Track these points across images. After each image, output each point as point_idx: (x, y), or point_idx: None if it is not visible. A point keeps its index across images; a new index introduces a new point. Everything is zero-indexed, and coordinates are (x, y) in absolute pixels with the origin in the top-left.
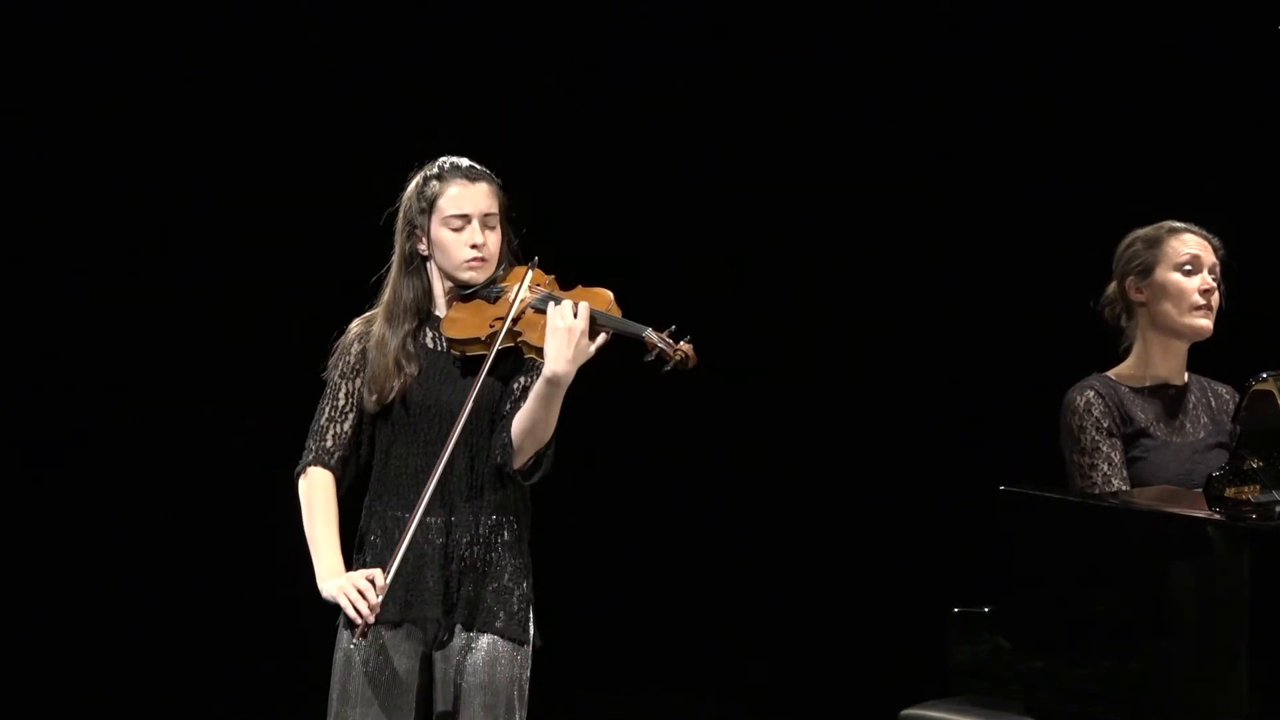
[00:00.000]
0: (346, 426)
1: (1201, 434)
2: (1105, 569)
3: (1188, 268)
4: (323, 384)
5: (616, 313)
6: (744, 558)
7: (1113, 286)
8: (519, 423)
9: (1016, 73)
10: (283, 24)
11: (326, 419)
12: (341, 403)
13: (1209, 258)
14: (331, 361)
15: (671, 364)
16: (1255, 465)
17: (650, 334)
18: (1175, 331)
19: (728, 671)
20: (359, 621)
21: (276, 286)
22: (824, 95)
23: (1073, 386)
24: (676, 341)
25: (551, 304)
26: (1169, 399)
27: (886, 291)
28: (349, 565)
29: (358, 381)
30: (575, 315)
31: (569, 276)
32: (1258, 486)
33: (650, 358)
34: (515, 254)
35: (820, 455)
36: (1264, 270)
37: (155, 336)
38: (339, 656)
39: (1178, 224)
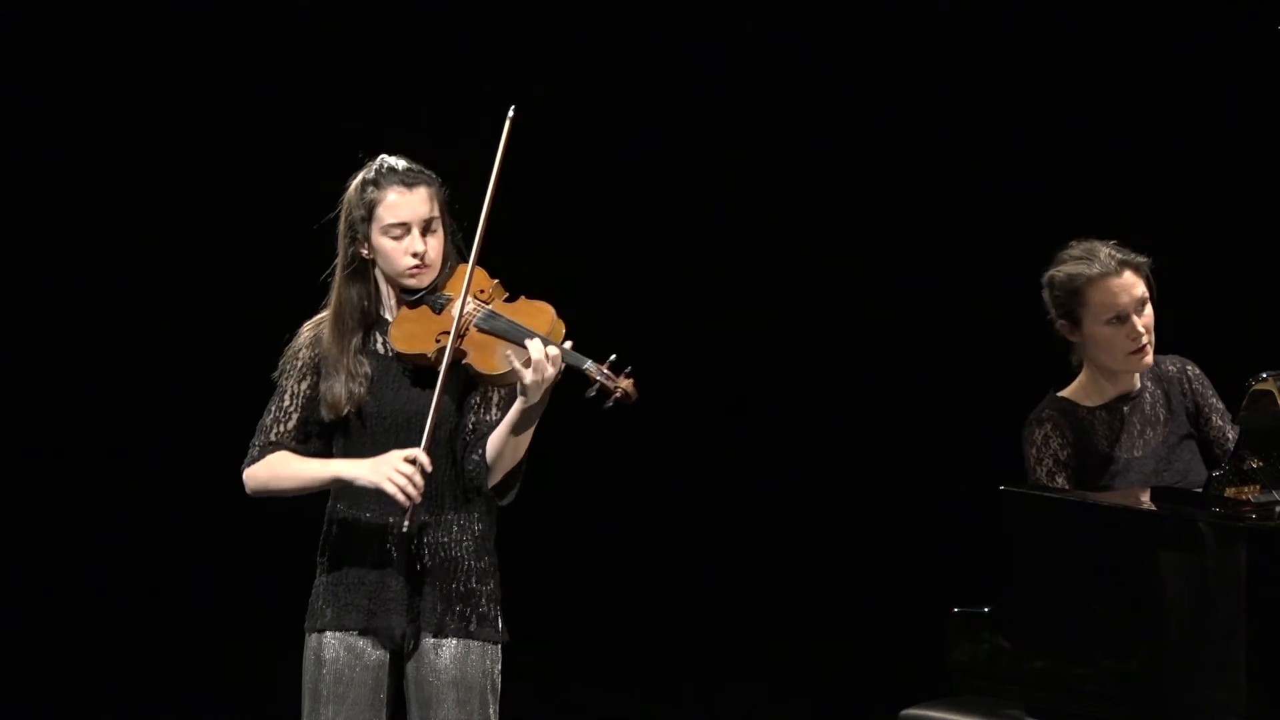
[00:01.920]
0: (290, 426)
1: (1163, 434)
2: (1105, 569)
3: (1114, 320)
4: (273, 386)
5: (561, 328)
6: (744, 558)
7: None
8: (493, 445)
9: (1023, 68)
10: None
11: (272, 419)
12: (286, 404)
13: (1135, 294)
14: (281, 364)
15: (611, 399)
16: (1255, 465)
17: (591, 366)
18: (1114, 372)
19: (728, 672)
20: (407, 503)
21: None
22: (824, 95)
23: (1032, 412)
24: (617, 374)
25: (526, 343)
26: (1126, 412)
27: (886, 291)
28: (311, 571)
29: (304, 384)
30: (549, 365)
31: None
32: (1258, 486)
33: (591, 392)
34: (460, 249)
35: (820, 455)
36: (1264, 270)
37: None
38: (307, 665)
39: (1094, 263)
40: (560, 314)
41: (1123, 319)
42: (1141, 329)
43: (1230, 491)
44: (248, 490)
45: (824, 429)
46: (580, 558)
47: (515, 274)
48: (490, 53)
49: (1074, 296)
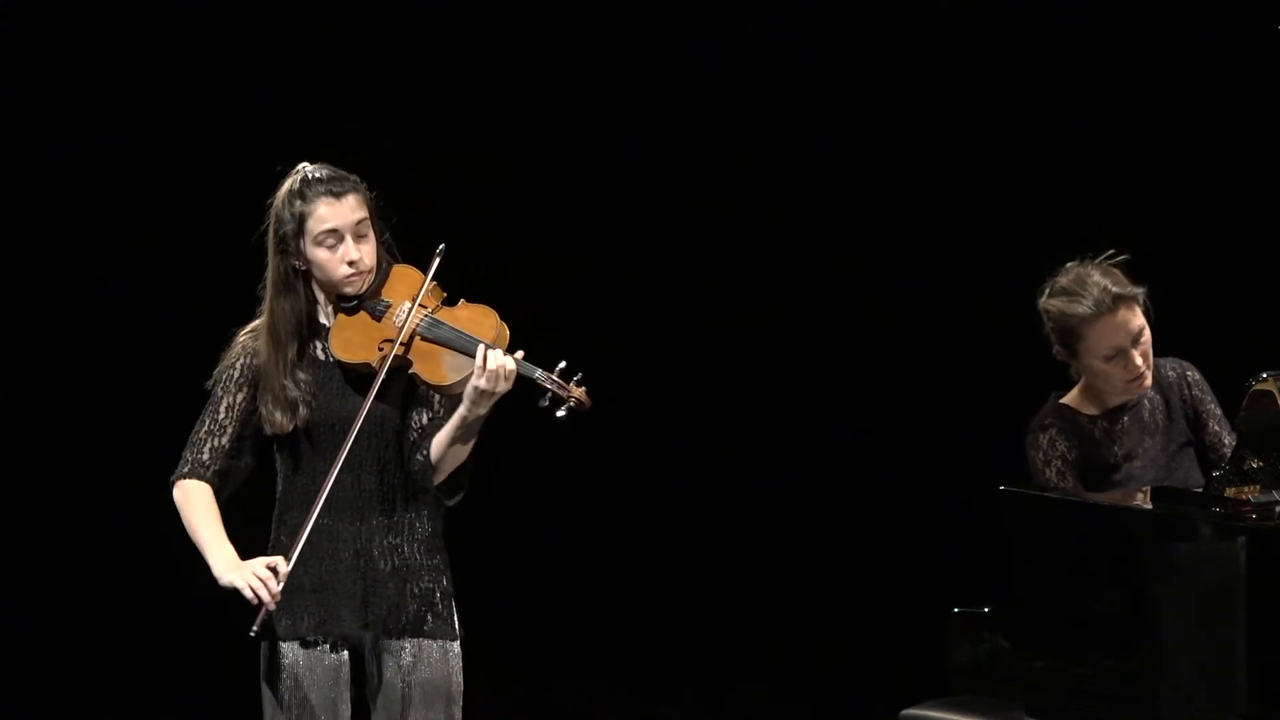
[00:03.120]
0: (225, 441)
1: (1162, 442)
2: (1105, 569)
3: (1112, 357)
4: (205, 395)
5: (506, 334)
6: (744, 558)
7: None
8: (436, 446)
9: (1024, 69)
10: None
11: (205, 431)
12: (221, 416)
13: (1132, 329)
14: (215, 373)
15: (564, 408)
16: (1255, 465)
17: (542, 375)
18: (1112, 396)
19: (728, 672)
20: (260, 606)
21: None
22: (824, 95)
23: (1034, 419)
24: (569, 383)
25: (481, 351)
26: (1126, 421)
27: (886, 291)
28: None
29: (240, 396)
30: (502, 376)
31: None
32: (1258, 486)
33: (544, 402)
34: (390, 249)
35: (820, 455)
36: (1264, 270)
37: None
38: (264, 665)
39: (1087, 300)
40: (502, 317)
41: (1122, 355)
42: (1139, 360)
43: (1230, 491)
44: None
45: (824, 429)
46: (580, 558)
47: (518, 273)
48: (490, 53)
49: (1069, 334)
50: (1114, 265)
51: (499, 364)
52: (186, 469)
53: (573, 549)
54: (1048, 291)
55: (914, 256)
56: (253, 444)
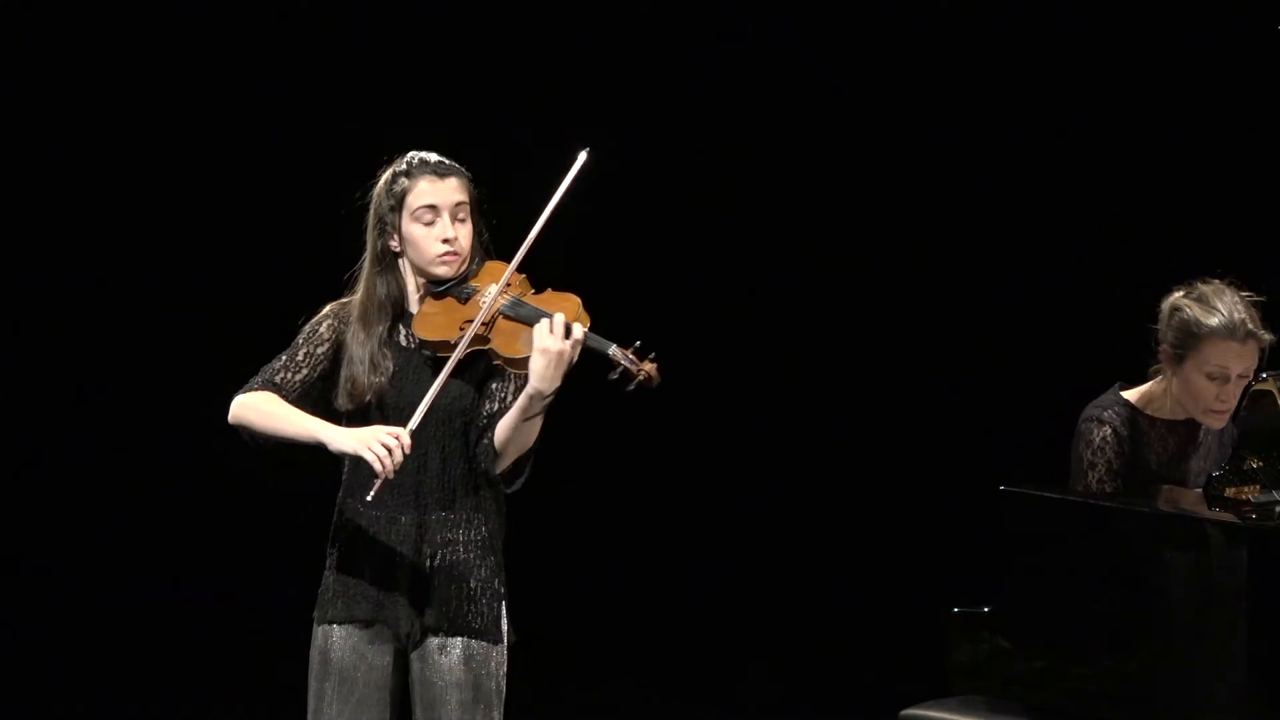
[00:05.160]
0: (296, 378)
1: (1196, 470)
2: (1105, 569)
3: (1215, 378)
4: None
5: (585, 320)
6: (744, 558)
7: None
8: (501, 430)
9: (1024, 69)
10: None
11: (281, 365)
12: (300, 358)
13: (1246, 365)
14: (302, 330)
15: (634, 383)
16: (1255, 465)
17: (616, 351)
18: (1185, 411)
19: (728, 672)
20: (381, 473)
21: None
22: (824, 95)
23: (1093, 405)
24: (641, 359)
25: (542, 321)
26: (1185, 436)
27: (886, 291)
28: (321, 563)
29: (321, 350)
30: (566, 337)
31: (553, 271)
32: (1258, 486)
33: (614, 375)
34: (487, 247)
35: (820, 455)
36: (1264, 270)
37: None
38: (314, 656)
39: (1222, 317)
40: (587, 307)
41: (1223, 380)
42: (1231, 397)
43: (1230, 491)
44: (229, 417)
45: (824, 429)
46: (581, 559)
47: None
48: (490, 53)
49: (1188, 338)
50: (1254, 303)
51: (562, 324)
52: (257, 385)
53: (570, 549)
54: (1184, 292)
55: (914, 256)
56: (311, 406)
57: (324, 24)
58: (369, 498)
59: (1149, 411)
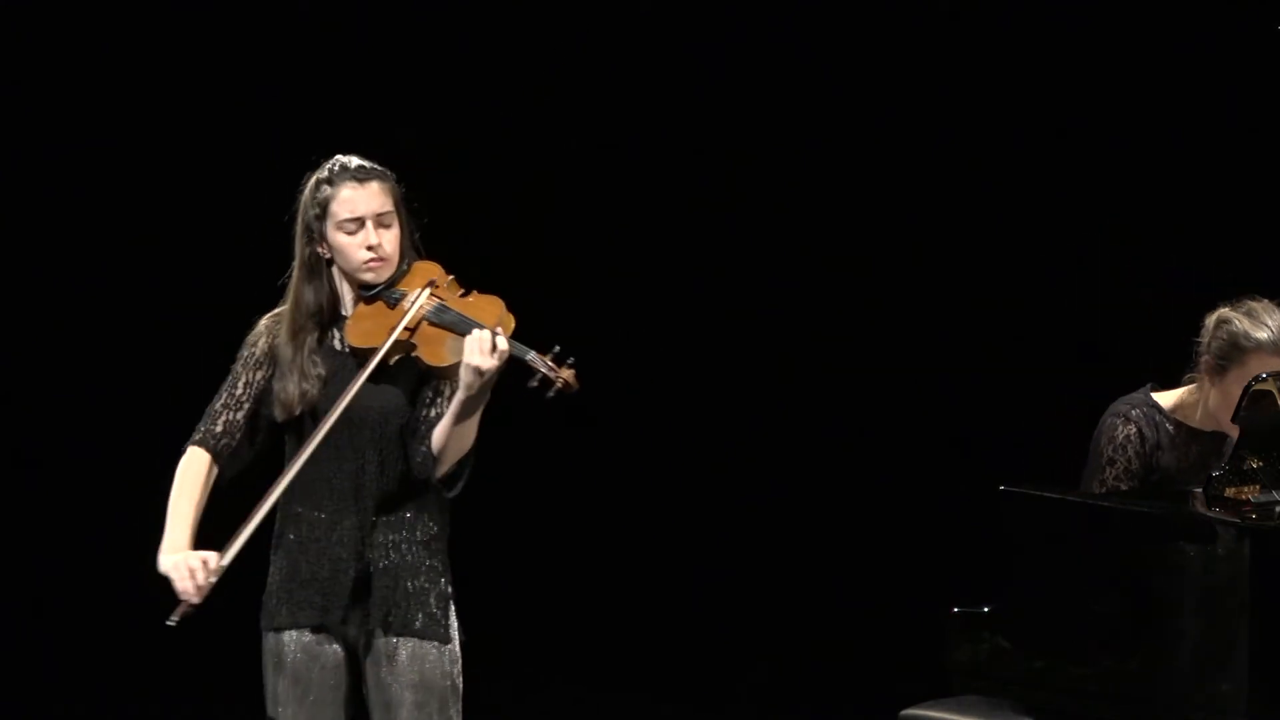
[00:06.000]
0: (240, 416)
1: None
2: (1105, 569)
3: None
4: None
5: (510, 321)
6: (744, 558)
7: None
8: (438, 435)
9: (1024, 69)
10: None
11: (221, 404)
12: (239, 392)
13: None
14: (238, 353)
15: (553, 389)
16: (1255, 465)
17: (534, 358)
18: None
19: (729, 673)
20: (184, 598)
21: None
22: (824, 95)
23: (1122, 401)
24: (559, 366)
25: (472, 335)
26: (1208, 447)
27: (887, 291)
28: (265, 564)
29: (259, 374)
30: (493, 352)
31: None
32: (1258, 486)
33: (534, 383)
34: (417, 246)
35: (820, 455)
36: (1264, 270)
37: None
38: (267, 661)
39: (1274, 332)
40: (510, 308)
41: None
42: None
43: (1230, 491)
44: None
45: (824, 429)
46: (580, 559)
47: (514, 271)
48: (489, 53)
49: (1234, 349)
50: None
51: (490, 341)
52: (197, 438)
53: (571, 549)
54: (1233, 306)
55: (914, 256)
56: (265, 429)
57: (324, 24)
58: (170, 620)
59: (1177, 417)
